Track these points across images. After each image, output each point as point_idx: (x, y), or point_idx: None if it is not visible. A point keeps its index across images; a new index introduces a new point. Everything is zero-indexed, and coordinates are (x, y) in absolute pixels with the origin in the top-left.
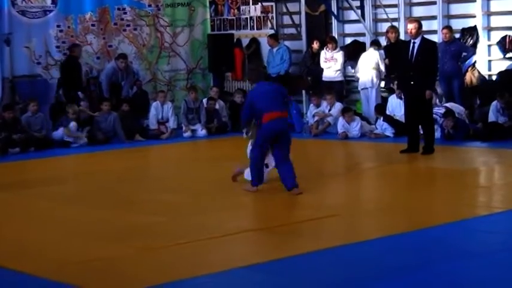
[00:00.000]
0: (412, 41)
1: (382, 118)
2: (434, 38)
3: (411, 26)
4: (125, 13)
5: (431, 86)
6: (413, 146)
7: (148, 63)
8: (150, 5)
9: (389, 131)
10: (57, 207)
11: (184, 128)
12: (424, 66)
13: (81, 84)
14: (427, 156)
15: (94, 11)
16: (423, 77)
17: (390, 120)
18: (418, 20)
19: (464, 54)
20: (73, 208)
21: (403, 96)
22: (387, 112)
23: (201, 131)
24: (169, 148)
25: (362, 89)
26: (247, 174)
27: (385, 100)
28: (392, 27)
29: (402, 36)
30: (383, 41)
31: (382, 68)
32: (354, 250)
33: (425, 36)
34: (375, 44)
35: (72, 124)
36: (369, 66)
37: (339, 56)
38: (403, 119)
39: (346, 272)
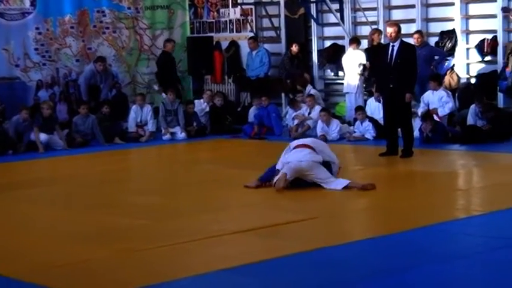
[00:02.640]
0: (391, 44)
1: (367, 119)
2: (412, 41)
3: (391, 30)
4: (104, 16)
5: (411, 89)
6: (392, 149)
7: (128, 65)
8: (129, 8)
9: (369, 134)
10: (37, 210)
11: (163, 131)
12: (404, 70)
13: (177, 79)
14: (406, 160)
15: (73, 13)
16: (402, 80)
17: (373, 121)
18: (398, 24)
19: (436, 57)
20: (53, 211)
21: (381, 100)
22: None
23: (181, 134)
24: (149, 151)
25: (346, 93)
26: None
27: (364, 103)
28: (377, 30)
29: (382, 40)
30: (364, 44)
31: (360, 69)
32: (335, 252)
33: (404, 39)
34: (354, 42)
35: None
36: (352, 69)
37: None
38: (381, 122)
39: (327, 274)
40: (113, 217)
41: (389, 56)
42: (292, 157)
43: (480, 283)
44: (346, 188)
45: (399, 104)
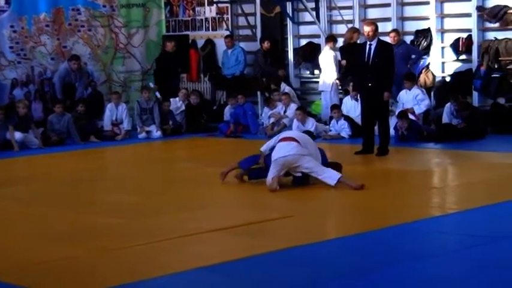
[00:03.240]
0: (368, 43)
1: (342, 118)
2: (389, 39)
3: (368, 29)
4: (79, 14)
5: (389, 88)
6: (368, 147)
7: (103, 64)
8: (104, 6)
9: (345, 132)
10: (12, 208)
11: (139, 129)
12: (381, 68)
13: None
14: (381, 158)
15: (48, 11)
16: (380, 79)
17: (349, 120)
18: (375, 23)
19: (413, 56)
20: (29, 209)
21: (359, 98)
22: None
23: (156, 133)
24: (125, 149)
25: (322, 91)
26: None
27: (340, 101)
28: (357, 29)
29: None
30: (339, 43)
31: (335, 68)
32: (310, 251)
33: (380, 38)
34: (331, 40)
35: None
36: (328, 69)
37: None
38: (358, 121)
39: (302, 272)
40: (89, 216)
41: (366, 55)
42: (278, 153)
43: (454, 281)
44: (338, 182)
45: (377, 103)
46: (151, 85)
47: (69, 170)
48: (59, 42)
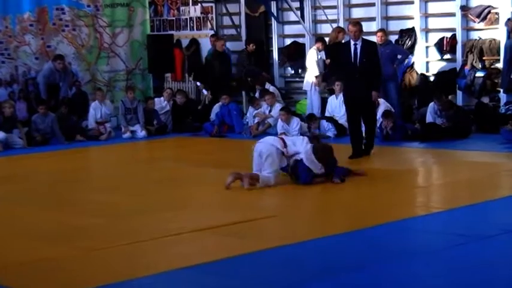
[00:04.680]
0: (353, 43)
1: (324, 120)
2: (373, 39)
3: (354, 29)
4: (64, 13)
5: (377, 87)
6: (359, 151)
7: (88, 63)
8: (89, 6)
9: (330, 132)
10: None
11: (123, 129)
12: (369, 68)
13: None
14: (366, 157)
15: (32, 11)
16: (368, 79)
17: (331, 120)
18: (360, 23)
19: (399, 56)
20: (12, 209)
21: (345, 99)
22: (327, 113)
23: (141, 132)
24: (109, 149)
25: (306, 90)
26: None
27: (324, 101)
28: (342, 28)
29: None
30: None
31: (316, 69)
32: (294, 250)
33: (365, 37)
34: (320, 41)
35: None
36: (312, 68)
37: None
38: (342, 120)
39: (286, 272)
40: (72, 215)
41: (353, 55)
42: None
43: (439, 280)
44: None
45: (364, 103)
46: (199, 84)
47: (53, 170)
48: (43, 41)
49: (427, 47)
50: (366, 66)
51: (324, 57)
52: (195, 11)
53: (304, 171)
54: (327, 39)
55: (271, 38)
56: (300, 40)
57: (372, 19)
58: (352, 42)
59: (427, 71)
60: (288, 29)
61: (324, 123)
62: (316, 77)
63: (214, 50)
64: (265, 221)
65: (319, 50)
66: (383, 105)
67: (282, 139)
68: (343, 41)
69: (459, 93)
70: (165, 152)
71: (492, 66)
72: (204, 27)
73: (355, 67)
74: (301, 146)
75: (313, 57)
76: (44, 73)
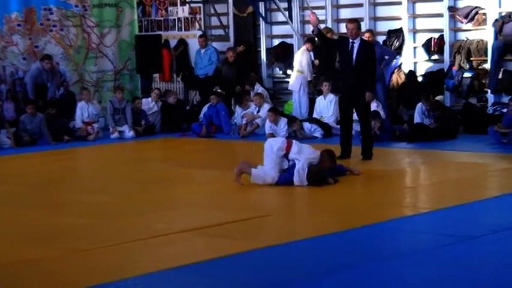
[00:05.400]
0: (350, 41)
1: (308, 122)
2: None
3: (352, 26)
4: (52, 13)
5: (372, 88)
6: (347, 152)
7: (76, 64)
8: (76, 6)
9: (318, 132)
10: None
11: (111, 129)
12: (365, 68)
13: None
14: (357, 159)
15: (20, 11)
16: (363, 79)
17: (317, 122)
18: (358, 20)
19: (386, 57)
20: (0, 210)
21: (339, 99)
22: (315, 113)
23: (129, 133)
24: (97, 149)
25: (292, 90)
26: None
27: (312, 101)
28: (330, 28)
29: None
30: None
31: (306, 67)
32: (285, 250)
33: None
34: (309, 42)
35: None
36: (304, 71)
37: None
38: (330, 120)
39: (277, 271)
40: (60, 216)
41: (349, 54)
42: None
43: (427, 280)
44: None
45: (358, 103)
46: (219, 90)
47: (40, 171)
48: (31, 42)
49: (414, 48)
50: (362, 66)
51: (312, 58)
52: (183, 11)
53: (290, 175)
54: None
55: (259, 38)
56: (288, 40)
57: (360, 20)
58: (350, 40)
59: (415, 71)
60: (276, 30)
61: (307, 125)
62: (311, 81)
63: (225, 59)
64: (258, 220)
65: (308, 51)
66: (373, 105)
67: (290, 143)
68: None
69: (447, 94)
70: (154, 152)
71: (480, 67)
72: (192, 27)
73: (350, 66)
74: (305, 154)
75: (305, 59)
76: (31, 73)
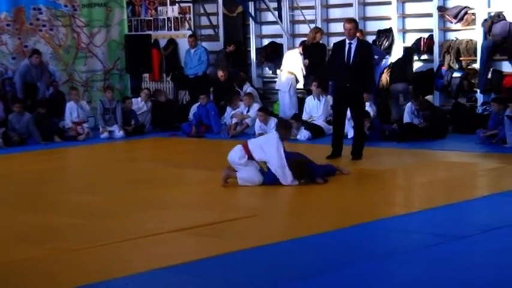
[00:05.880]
0: (347, 41)
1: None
2: None
3: (349, 26)
4: (41, 13)
5: (370, 89)
6: (338, 151)
7: (65, 63)
8: (66, 5)
9: (303, 136)
10: None
11: (101, 129)
12: (362, 68)
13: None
14: (347, 159)
15: (9, 10)
16: (360, 79)
17: (306, 123)
18: (356, 20)
19: (376, 57)
20: None
21: (333, 99)
22: (304, 114)
23: (119, 133)
24: (87, 149)
25: (279, 90)
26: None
27: (301, 101)
28: (320, 29)
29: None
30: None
31: (299, 71)
32: (275, 250)
33: (340, 37)
34: (302, 44)
35: None
36: (288, 69)
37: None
38: (320, 120)
39: (267, 272)
40: (50, 216)
41: (346, 54)
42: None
43: (417, 280)
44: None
45: (354, 104)
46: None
47: (29, 171)
48: (20, 41)
49: (404, 48)
50: (359, 67)
51: (303, 60)
52: (172, 11)
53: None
54: (304, 39)
55: (249, 38)
56: (278, 40)
57: None
58: (346, 41)
59: None
60: (266, 29)
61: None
62: (305, 86)
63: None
64: (245, 220)
65: (301, 54)
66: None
67: (245, 146)
68: (318, 41)
69: (436, 94)
70: (143, 152)
71: (469, 67)
72: (182, 27)
73: (347, 67)
74: (270, 150)
75: (298, 62)
76: (20, 70)
